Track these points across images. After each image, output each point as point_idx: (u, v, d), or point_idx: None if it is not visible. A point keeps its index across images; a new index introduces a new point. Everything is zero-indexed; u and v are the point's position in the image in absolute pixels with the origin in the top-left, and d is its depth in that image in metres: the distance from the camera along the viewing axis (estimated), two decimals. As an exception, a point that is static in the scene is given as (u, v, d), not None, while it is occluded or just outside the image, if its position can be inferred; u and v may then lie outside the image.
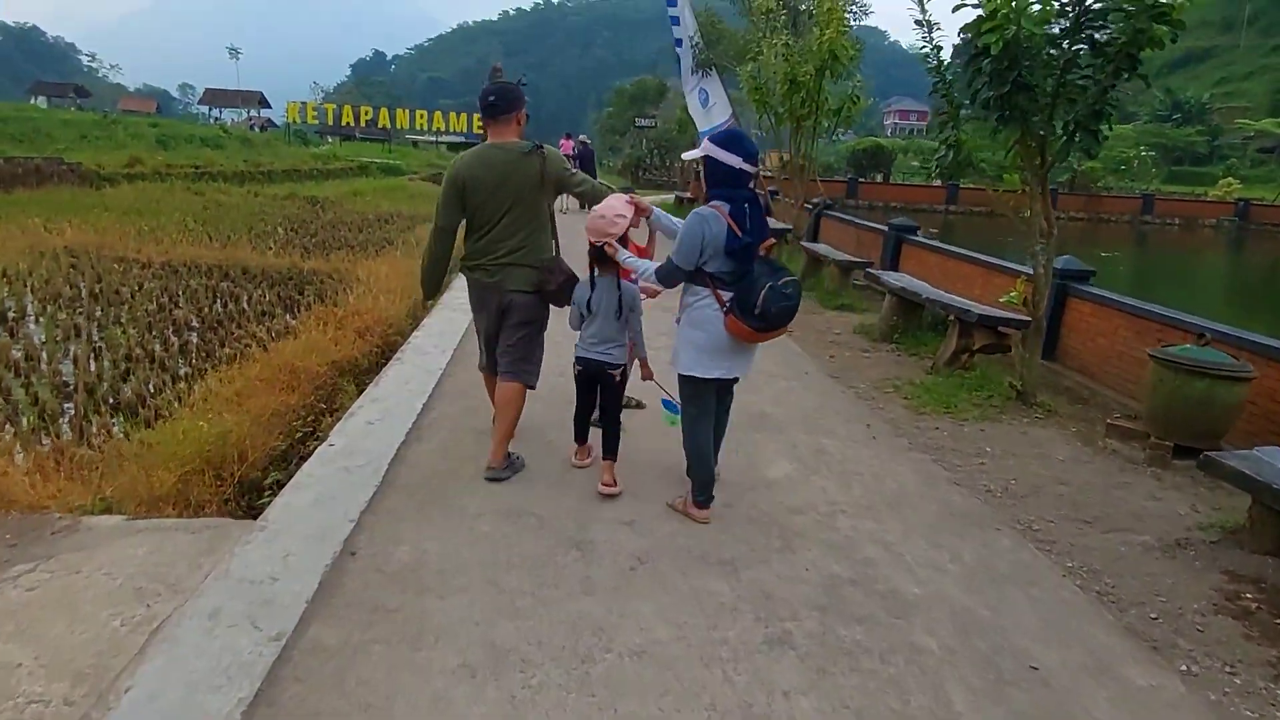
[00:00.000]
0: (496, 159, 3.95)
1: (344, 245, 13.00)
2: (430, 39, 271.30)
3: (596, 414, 4.20)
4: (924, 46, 5.83)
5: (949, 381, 6.32)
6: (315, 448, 4.40)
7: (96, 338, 6.98)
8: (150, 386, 5.83)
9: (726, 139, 3.54)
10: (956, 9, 5.03)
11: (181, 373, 6.18)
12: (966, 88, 5.23)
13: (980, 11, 4.94)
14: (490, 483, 4.03)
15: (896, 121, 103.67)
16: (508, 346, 4.13)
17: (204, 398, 5.12)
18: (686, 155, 4.14)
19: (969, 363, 6.63)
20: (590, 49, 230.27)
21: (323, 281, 9.64)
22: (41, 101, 69.69)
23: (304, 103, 43.32)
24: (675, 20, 13.37)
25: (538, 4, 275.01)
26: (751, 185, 3.57)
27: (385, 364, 6.35)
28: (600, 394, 4.13)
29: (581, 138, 35.62)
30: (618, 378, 4.04)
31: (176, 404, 5.28)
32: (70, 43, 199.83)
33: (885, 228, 10.83)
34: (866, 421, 5.43)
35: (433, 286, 4.39)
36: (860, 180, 34.45)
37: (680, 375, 3.70)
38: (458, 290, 8.91)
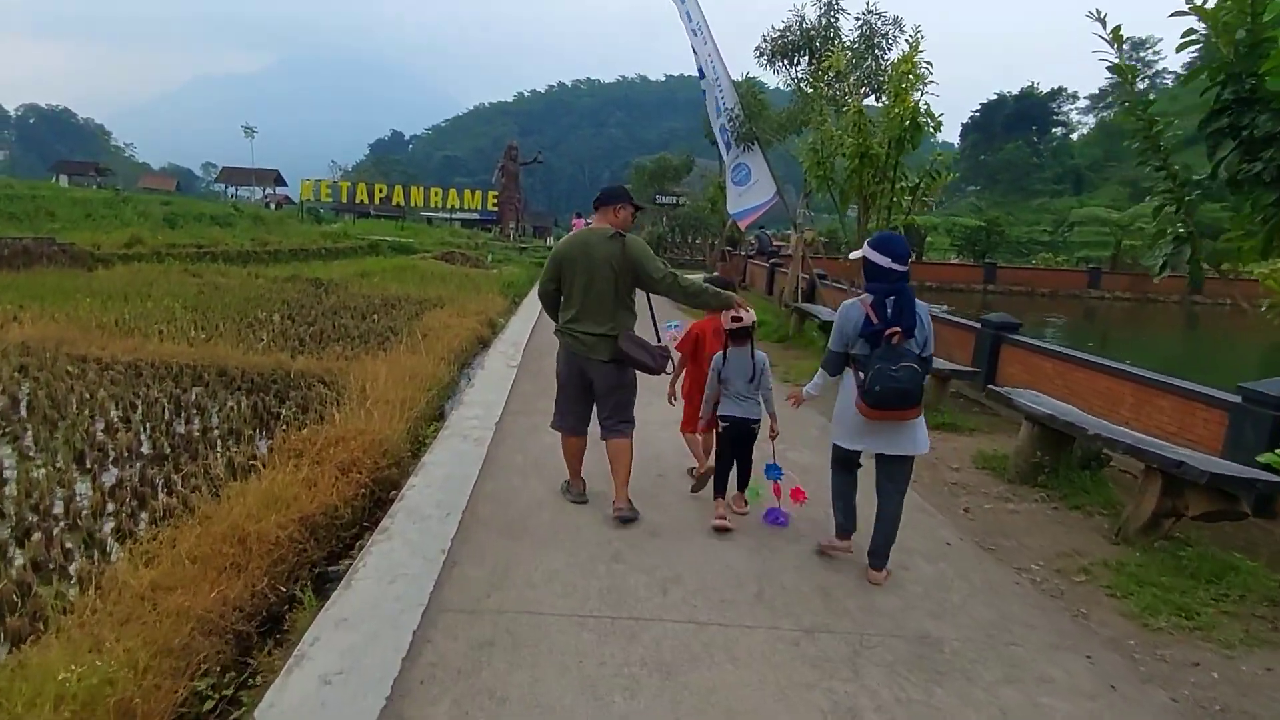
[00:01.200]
0: (588, 240, 4.72)
1: (343, 336, 11.58)
2: (447, 119, 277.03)
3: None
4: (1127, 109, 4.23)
5: (1157, 562, 4.58)
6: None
7: (8, 470, 5.42)
8: (50, 556, 4.22)
9: (881, 242, 4.08)
10: (1182, 46, 3.51)
11: (98, 535, 4.57)
12: (1209, 156, 3.68)
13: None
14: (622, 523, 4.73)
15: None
16: (609, 411, 4.87)
17: (107, 594, 3.52)
18: (852, 255, 4.45)
19: (1172, 529, 4.90)
20: (603, 129, 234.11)
21: (310, 387, 8.12)
22: (64, 180, 69.98)
23: (318, 180, 42.87)
24: (709, 92, 12.15)
25: (551, 86, 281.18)
26: (900, 279, 3.96)
27: (372, 514, 4.81)
28: (738, 443, 4.96)
29: (589, 219, 35.10)
30: (756, 430, 4.94)
31: (66, 606, 3.65)
32: (100, 124, 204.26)
33: (977, 324, 9.21)
34: (1085, 651, 3.64)
35: (553, 314, 5.08)
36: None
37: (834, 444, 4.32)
38: (469, 409, 7.46)
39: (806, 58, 11.58)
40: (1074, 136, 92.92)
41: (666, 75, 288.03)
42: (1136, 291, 33.81)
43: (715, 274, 10.81)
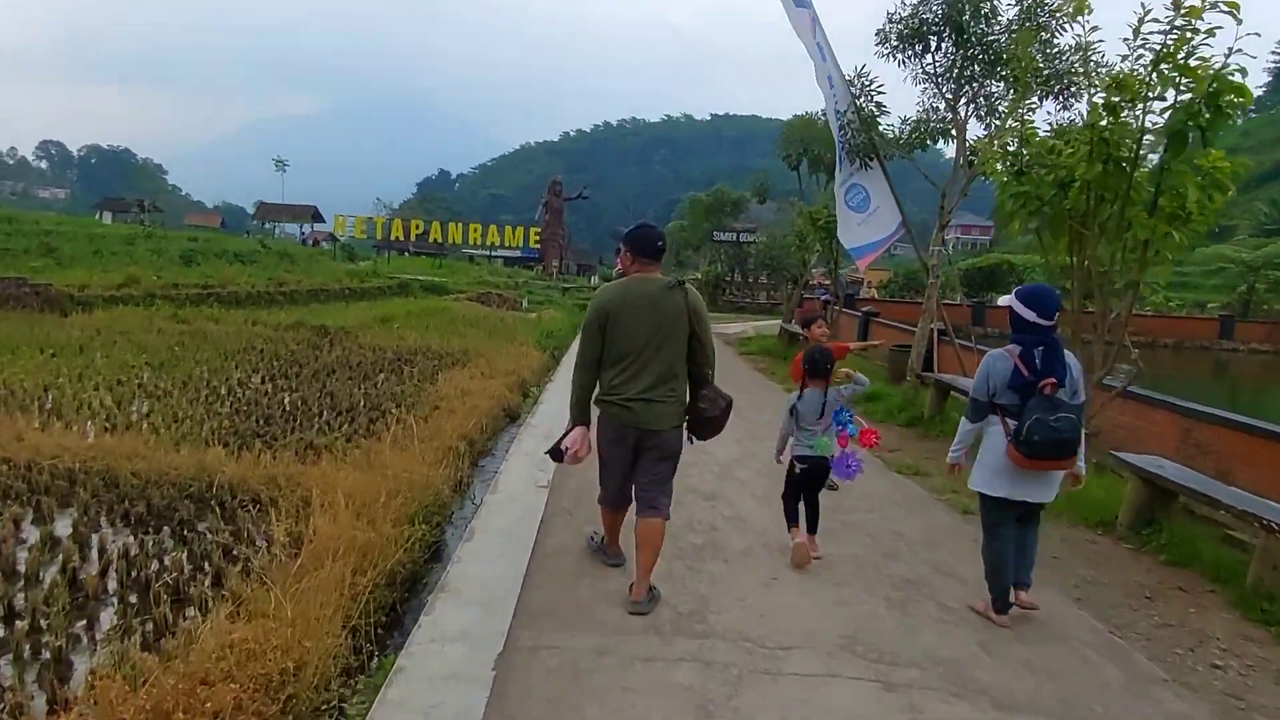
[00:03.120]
0: (645, 290, 4.14)
1: (326, 410, 8.86)
2: (493, 158, 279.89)
3: None
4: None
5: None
6: None
7: None
8: None
9: (1029, 295, 4.11)
10: None
11: None
12: None
13: None
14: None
15: (959, 236, 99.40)
16: (651, 482, 4.27)
17: None
18: (1001, 301, 4.62)
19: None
20: (648, 166, 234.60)
21: (231, 515, 5.26)
22: (107, 216, 69.74)
23: (351, 216, 40.94)
24: (826, 85, 9.19)
25: (596, 125, 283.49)
26: (1049, 332, 4.03)
27: None
28: (810, 484, 5.02)
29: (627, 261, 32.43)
30: (830, 469, 5.07)
31: None
32: (158, 164, 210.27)
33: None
34: None
35: (583, 412, 4.35)
36: (985, 305, 28.77)
37: (976, 493, 4.29)
38: (452, 609, 4.04)
39: (950, 41, 8.57)
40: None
41: (711, 114, 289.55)
42: (1276, 342, 29.53)
43: (808, 314, 8.04)
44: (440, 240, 42.47)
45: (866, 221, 8.95)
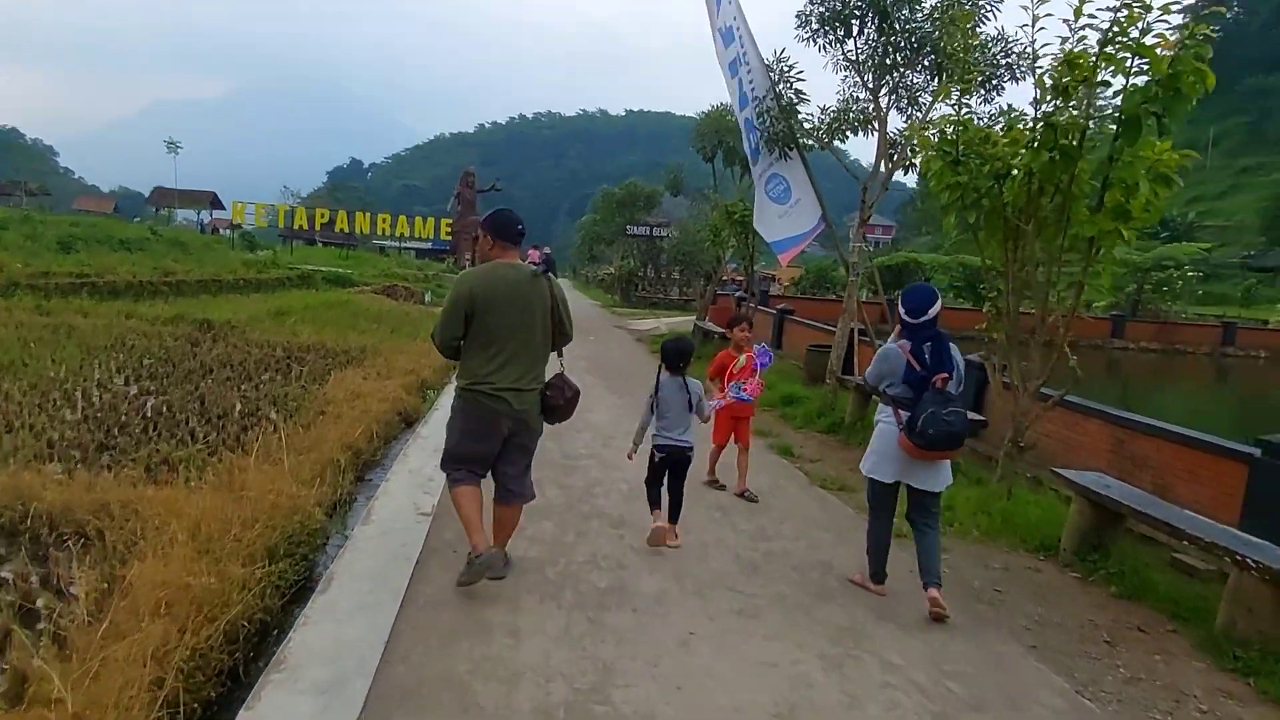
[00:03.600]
0: (510, 277, 4.15)
1: (196, 417, 7.93)
2: (407, 148, 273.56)
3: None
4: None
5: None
6: None
7: None
8: None
9: (903, 295, 4.40)
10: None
11: None
12: None
13: None
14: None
15: (875, 235, 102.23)
16: (513, 471, 4.33)
17: None
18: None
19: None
20: (562, 161, 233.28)
21: (43, 553, 4.41)
22: (-12, 199, 65.12)
23: (252, 203, 38.81)
24: (734, 70, 8.67)
25: (512, 118, 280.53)
26: (930, 327, 4.27)
27: None
28: (671, 472, 5.15)
29: (545, 249, 31.80)
30: (690, 458, 5.13)
31: None
32: (48, 145, 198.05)
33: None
34: None
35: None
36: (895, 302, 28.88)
37: (865, 476, 4.58)
38: (295, 686, 3.16)
39: (873, 27, 8.15)
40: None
41: (627, 110, 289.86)
42: (1163, 341, 30.75)
43: (734, 315, 7.73)
44: (348, 230, 40.68)
45: (788, 214, 8.48)
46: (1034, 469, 6.24)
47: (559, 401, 4.30)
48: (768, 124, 8.39)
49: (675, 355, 5.16)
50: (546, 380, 4.32)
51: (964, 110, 5.60)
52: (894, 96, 8.22)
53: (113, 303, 16.91)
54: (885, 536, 4.54)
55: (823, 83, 9.10)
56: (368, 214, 41.13)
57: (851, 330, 9.69)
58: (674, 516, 5.19)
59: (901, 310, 4.31)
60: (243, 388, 9.75)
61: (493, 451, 4.26)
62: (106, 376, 9.66)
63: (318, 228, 41.28)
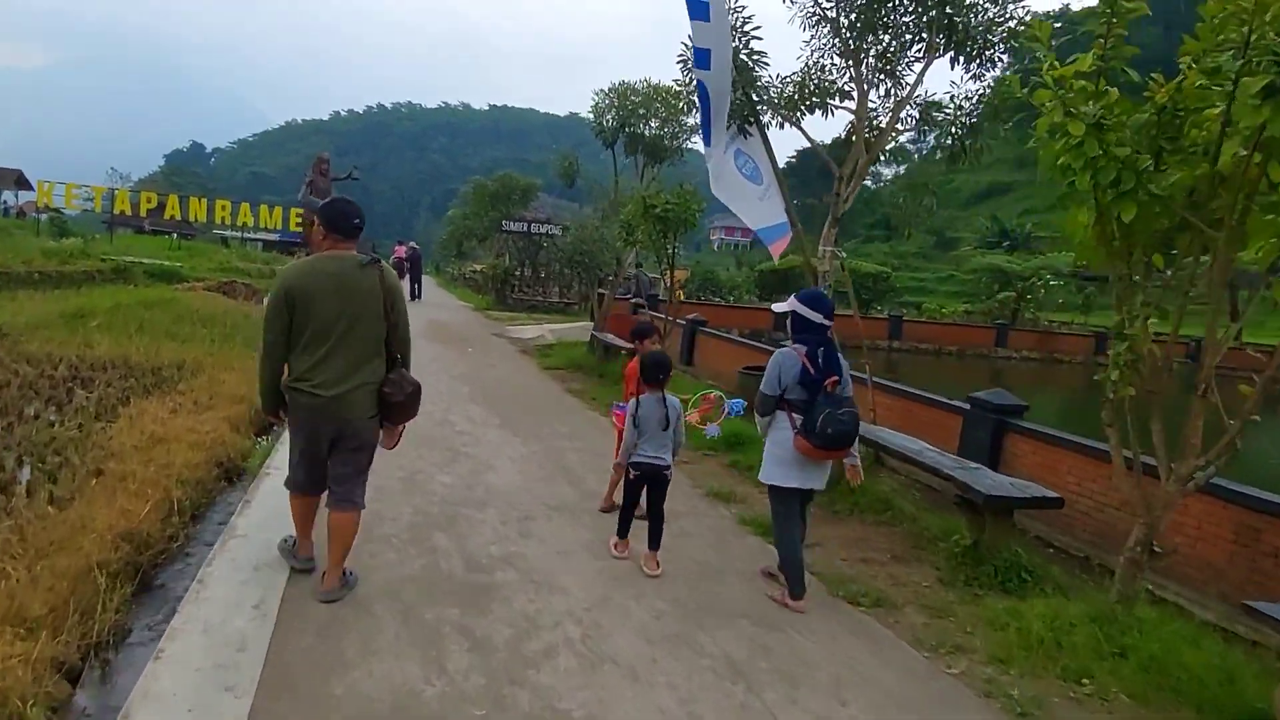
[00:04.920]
0: (332, 269, 3.94)
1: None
2: (255, 134, 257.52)
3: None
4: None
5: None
6: None
7: None
8: None
9: (811, 298, 4.52)
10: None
11: None
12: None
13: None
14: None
15: (723, 238, 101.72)
16: (343, 473, 4.13)
17: None
18: (777, 308, 4.76)
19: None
20: (425, 154, 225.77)
21: None
22: None
23: (61, 184, 33.79)
24: (701, 58, 6.64)
25: (370, 107, 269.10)
26: (827, 334, 4.43)
27: None
28: (650, 492, 4.93)
29: (411, 243, 29.04)
30: (669, 477, 4.93)
31: None
32: None
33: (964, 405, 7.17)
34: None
35: (273, 402, 4.23)
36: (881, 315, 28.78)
37: (766, 485, 4.64)
38: None
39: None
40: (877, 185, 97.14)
41: (490, 104, 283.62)
42: (1044, 350, 30.93)
43: (640, 325, 6.56)
44: (181, 217, 36.09)
45: (766, 198, 6.59)
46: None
47: (398, 398, 4.06)
48: (732, 98, 6.47)
49: (655, 369, 4.98)
50: (385, 378, 4.08)
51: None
52: (880, 63, 6.46)
53: None
54: (798, 542, 4.57)
55: (784, 40, 7.24)
56: (204, 200, 36.67)
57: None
58: (654, 542, 4.90)
59: (810, 313, 4.43)
60: (-12, 431, 7.02)
61: (318, 455, 4.13)
62: None
63: (144, 214, 36.51)
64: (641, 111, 12.03)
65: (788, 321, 4.56)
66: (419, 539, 4.86)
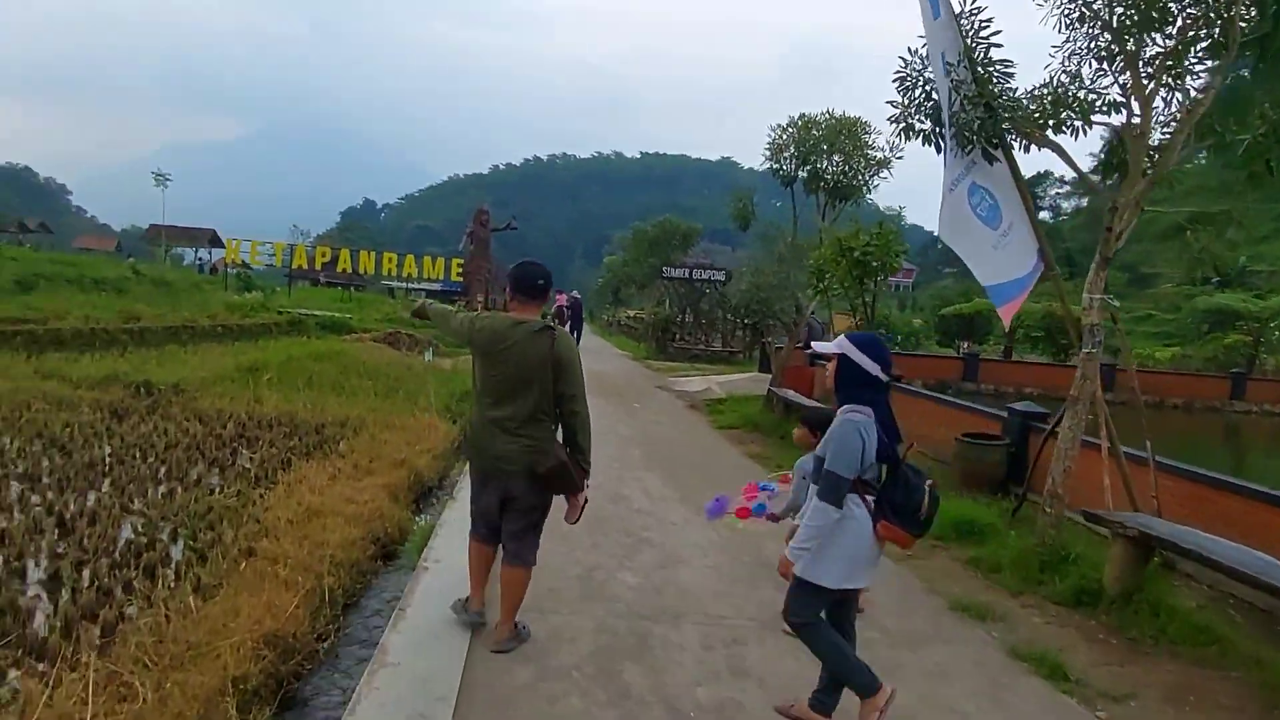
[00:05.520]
0: (510, 334, 4.03)
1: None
2: (421, 189, 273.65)
3: None
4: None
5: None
6: None
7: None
8: None
9: (870, 345, 3.56)
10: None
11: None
12: None
13: None
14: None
15: (897, 279, 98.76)
16: (513, 530, 4.19)
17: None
18: (820, 348, 3.79)
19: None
20: (578, 202, 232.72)
21: None
22: (-19, 236, 63.19)
23: (247, 241, 36.17)
24: (936, 8, 5.50)
25: (527, 159, 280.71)
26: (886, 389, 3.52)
27: None
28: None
29: (573, 293, 28.87)
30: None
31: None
32: (62, 184, 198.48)
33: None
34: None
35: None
36: (979, 357, 23.90)
37: (806, 583, 3.44)
38: None
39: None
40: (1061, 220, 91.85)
41: (642, 152, 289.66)
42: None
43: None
44: (350, 270, 37.89)
45: (1004, 245, 5.30)
46: None
47: (540, 469, 4.00)
48: (957, 108, 5.29)
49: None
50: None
51: None
52: (1160, 67, 5.10)
53: (47, 355, 13.93)
54: (850, 649, 3.53)
55: (1028, 42, 5.96)
56: (372, 253, 38.34)
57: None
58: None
59: (873, 366, 3.46)
60: (149, 494, 6.71)
61: (491, 504, 4.21)
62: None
63: (319, 266, 38.56)
64: (824, 146, 10.95)
65: (830, 372, 3.58)
66: (606, 673, 3.86)
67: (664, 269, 25.41)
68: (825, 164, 11.15)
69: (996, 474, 7.74)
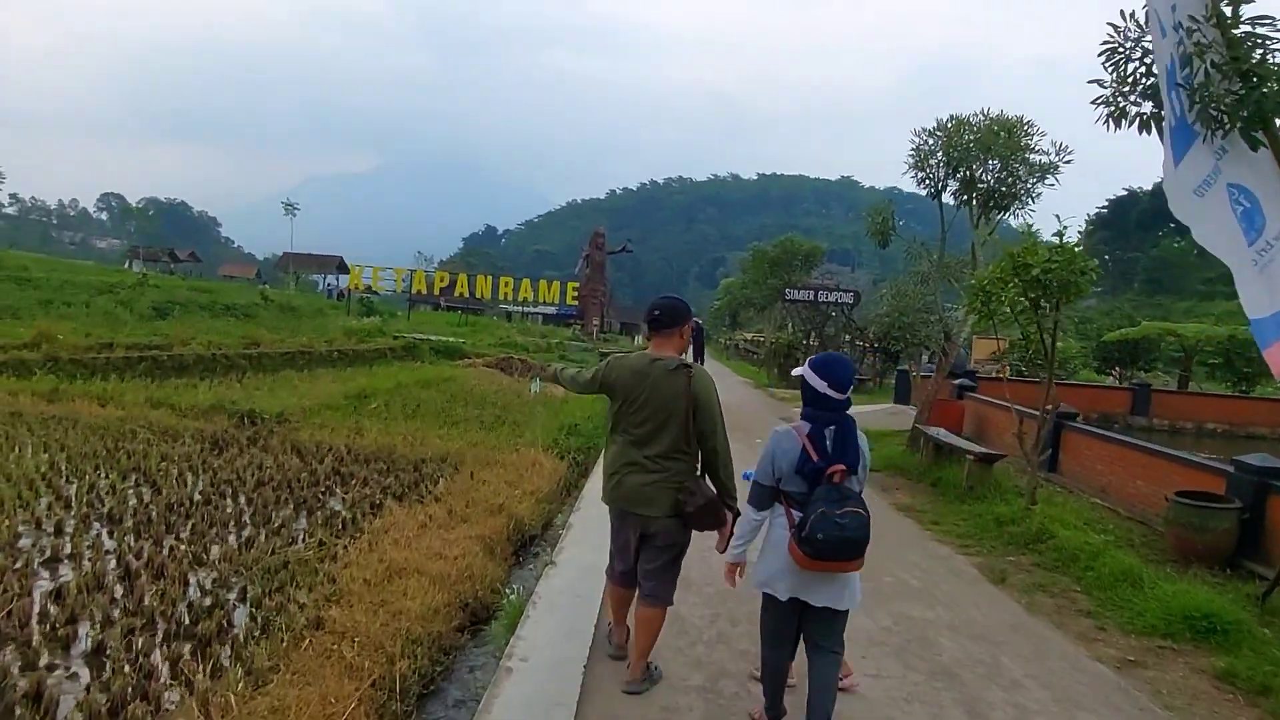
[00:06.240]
0: (646, 370, 4.02)
1: (57, 628, 4.17)
2: (540, 215, 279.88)
3: None
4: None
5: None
6: None
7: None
8: None
9: (822, 363, 3.60)
10: None
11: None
12: None
13: None
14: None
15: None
16: (650, 569, 4.13)
17: None
18: (796, 373, 3.84)
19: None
20: (693, 225, 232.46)
21: None
22: (137, 265, 67.90)
23: (369, 267, 36.98)
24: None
25: (644, 184, 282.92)
26: (841, 407, 3.49)
27: None
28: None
29: (696, 319, 27.90)
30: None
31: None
32: (212, 217, 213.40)
33: None
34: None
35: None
36: (1150, 388, 20.54)
37: (760, 592, 3.66)
38: None
39: None
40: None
41: (759, 174, 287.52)
42: None
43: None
44: (467, 294, 38.22)
45: (1268, 262, 3.96)
46: None
47: (689, 507, 3.94)
48: (1201, 80, 4.00)
49: None
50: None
51: None
52: None
53: (170, 381, 13.96)
54: (783, 667, 3.69)
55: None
56: (489, 277, 38.55)
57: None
58: None
59: (819, 383, 3.49)
60: (231, 538, 6.13)
61: (627, 545, 4.19)
62: (31, 513, 6.23)
63: (437, 291, 39.08)
64: (977, 152, 9.58)
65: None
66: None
67: (786, 290, 24.04)
68: (980, 170, 9.76)
69: (1225, 545, 6.18)
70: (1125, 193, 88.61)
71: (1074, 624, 5.16)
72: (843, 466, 3.41)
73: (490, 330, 31.86)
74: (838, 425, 3.47)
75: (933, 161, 9.84)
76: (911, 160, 9.89)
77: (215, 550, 5.93)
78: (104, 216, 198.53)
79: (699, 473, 4.13)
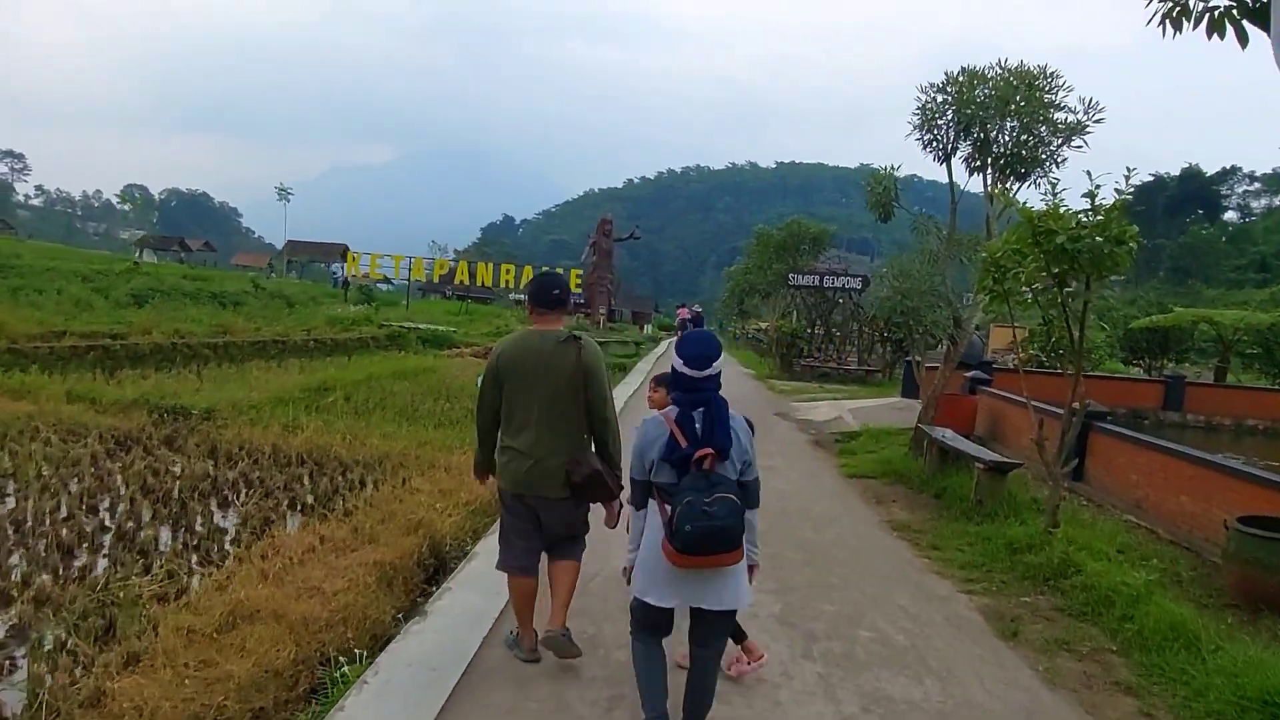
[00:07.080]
0: (533, 344, 3.96)
1: None
2: (557, 204, 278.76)
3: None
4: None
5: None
6: None
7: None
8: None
9: (681, 340, 3.40)
10: None
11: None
12: None
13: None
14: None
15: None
16: (556, 537, 4.09)
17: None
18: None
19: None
20: (710, 214, 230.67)
21: None
22: (148, 254, 67.60)
23: (367, 255, 36.02)
24: None
25: (661, 173, 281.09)
26: (709, 386, 3.20)
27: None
28: None
29: (695, 307, 27.29)
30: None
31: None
32: (233, 207, 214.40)
33: None
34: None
35: (484, 464, 4.25)
36: (1185, 380, 18.61)
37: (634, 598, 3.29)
38: None
39: None
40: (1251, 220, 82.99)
41: (777, 162, 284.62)
42: None
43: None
44: (467, 282, 37.19)
45: None
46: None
47: (575, 478, 3.87)
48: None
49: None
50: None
51: None
52: None
53: (120, 372, 12.95)
54: (655, 669, 3.28)
55: None
56: (489, 265, 37.49)
57: None
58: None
59: (676, 360, 3.24)
60: (58, 571, 5.00)
61: (527, 530, 4.05)
62: None
63: (436, 279, 38.12)
64: (993, 110, 8.25)
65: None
66: None
67: (789, 276, 22.69)
68: (996, 131, 8.43)
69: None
70: (1152, 178, 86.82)
71: (1110, 707, 3.75)
72: (712, 451, 3.08)
73: (486, 319, 30.78)
74: (706, 407, 3.16)
75: (941, 121, 8.53)
76: (917, 119, 8.60)
77: (38, 582, 4.82)
78: (127, 207, 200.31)
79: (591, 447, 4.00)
